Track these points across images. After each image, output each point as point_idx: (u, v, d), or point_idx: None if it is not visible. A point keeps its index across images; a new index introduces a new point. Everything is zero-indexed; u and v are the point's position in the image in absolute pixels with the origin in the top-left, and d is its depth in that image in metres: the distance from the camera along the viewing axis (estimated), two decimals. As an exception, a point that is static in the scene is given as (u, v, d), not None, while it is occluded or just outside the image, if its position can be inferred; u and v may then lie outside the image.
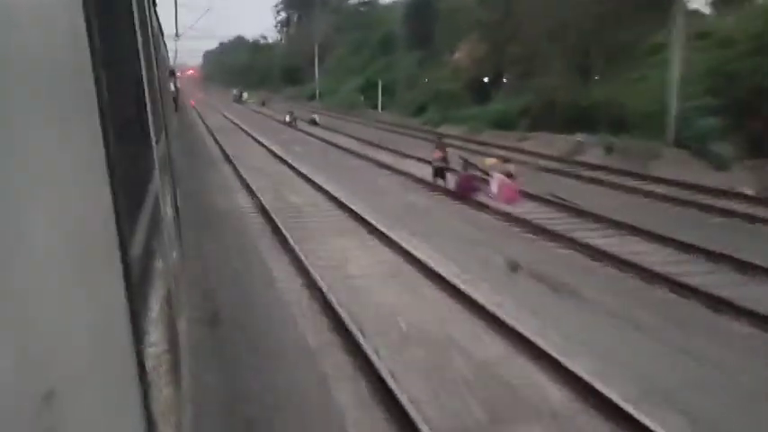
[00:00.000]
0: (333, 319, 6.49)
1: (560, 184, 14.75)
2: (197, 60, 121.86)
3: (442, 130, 29.30)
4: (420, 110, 34.92)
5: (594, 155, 18.50)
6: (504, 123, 25.31)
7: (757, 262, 8.11)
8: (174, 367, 1.74)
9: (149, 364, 1.07)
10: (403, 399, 4.75)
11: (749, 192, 13.54)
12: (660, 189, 13.77)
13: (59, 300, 0.66)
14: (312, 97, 57.61)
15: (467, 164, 13.91)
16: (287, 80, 75.88)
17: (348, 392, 5.10)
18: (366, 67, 49.82)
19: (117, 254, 0.83)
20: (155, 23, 4.77)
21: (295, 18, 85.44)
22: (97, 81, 0.81)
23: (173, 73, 23.85)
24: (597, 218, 11.06)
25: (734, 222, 11.09)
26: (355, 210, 11.53)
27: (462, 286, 7.27)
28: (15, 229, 0.58)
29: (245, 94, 60.51)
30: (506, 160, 14.66)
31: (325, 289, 7.19)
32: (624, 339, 6.17)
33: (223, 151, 21.79)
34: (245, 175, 15.84)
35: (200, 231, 9.94)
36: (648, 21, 21.15)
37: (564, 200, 12.53)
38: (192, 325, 4.55)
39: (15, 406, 0.56)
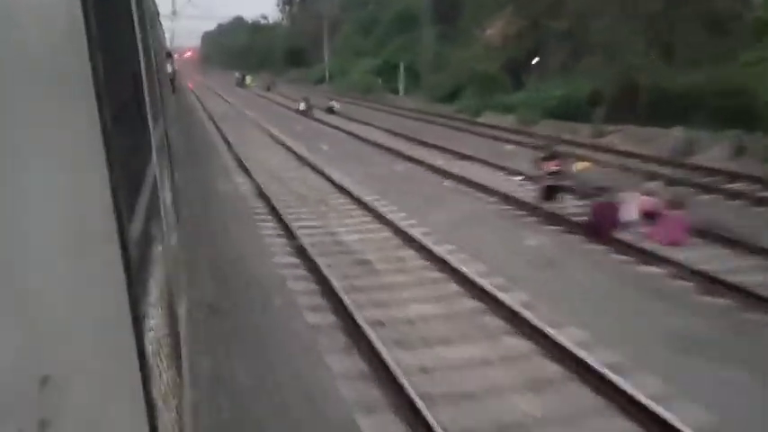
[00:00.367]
0: None
1: (706, 204, 10.54)
2: (195, 42, 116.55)
3: (484, 119, 24.98)
4: (451, 95, 30.52)
5: (715, 156, 14.23)
6: (565, 112, 20.97)
7: None
8: (175, 351, 1.79)
9: (149, 348, 1.05)
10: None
11: None
12: None
13: (57, 284, 0.67)
14: (320, 80, 53.00)
15: (599, 189, 9.48)
16: (290, 62, 71.10)
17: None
18: (379, 47, 45.22)
19: (115, 237, 0.80)
20: (150, 2, 4.49)
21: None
22: (93, 62, 0.78)
23: (170, 55, 23.02)
24: None
25: None
26: (465, 272, 7.21)
27: None
28: (12, 213, 0.61)
29: (248, 78, 55.76)
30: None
31: None
32: None
33: (231, 150, 17.57)
34: (266, 190, 11.63)
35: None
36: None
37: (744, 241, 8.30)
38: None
39: (13, 391, 0.59)
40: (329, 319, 6.12)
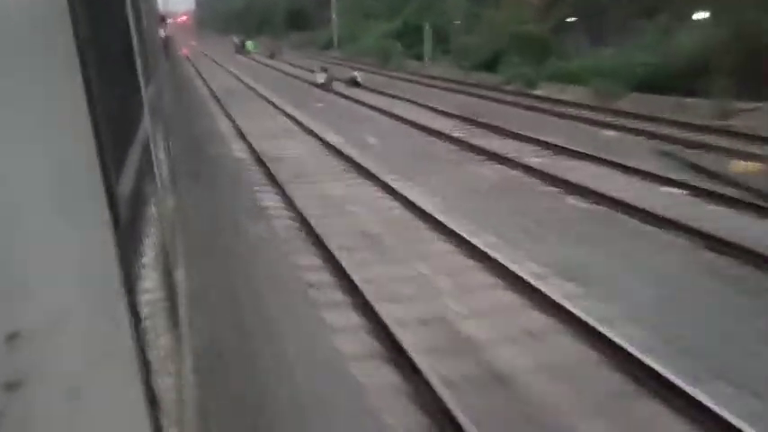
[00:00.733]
0: None
1: None
2: (189, 6, 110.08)
3: (544, 92, 20.54)
4: (491, 62, 25.93)
5: None
6: (664, 84, 16.55)
7: None
8: (172, 316, 1.74)
9: (143, 310, 1.01)
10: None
11: None
12: None
13: (34, 238, 0.67)
14: (328, 45, 47.96)
15: None
16: (292, 25, 65.67)
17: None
18: (394, 9, 40.25)
19: (102, 194, 0.76)
20: None
21: (299, -47, 74.19)
22: (74, 18, 0.73)
23: (163, 19, 21.88)
24: None
25: None
26: None
27: None
28: None
29: (248, 44, 50.60)
30: None
31: None
32: None
33: (247, 143, 13.28)
34: (321, 227, 7.44)
35: None
36: None
37: None
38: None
39: None
40: None
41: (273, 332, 5.20)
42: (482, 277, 6.23)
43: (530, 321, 5.30)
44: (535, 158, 11.23)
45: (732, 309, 5.46)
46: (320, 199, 9.11)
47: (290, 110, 18.16)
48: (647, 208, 7.93)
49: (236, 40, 52.61)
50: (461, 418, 3.82)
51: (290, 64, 36.37)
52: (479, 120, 15.21)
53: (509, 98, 19.58)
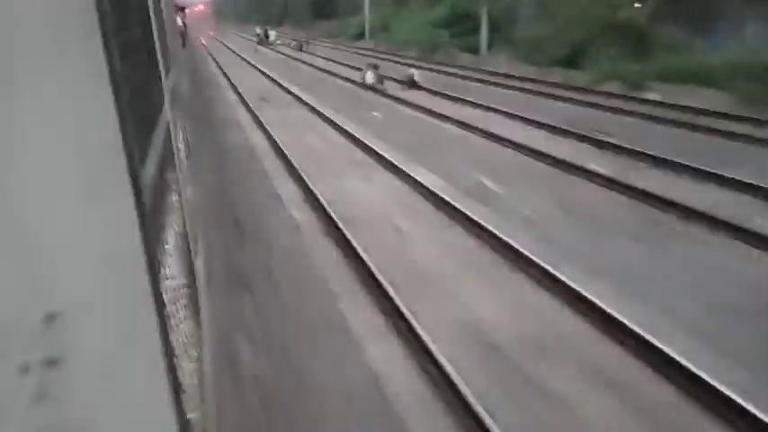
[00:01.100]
0: None
1: None
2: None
3: (661, 96, 16.01)
4: (571, 56, 21.38)
5: None
6: None
7: None
8: (193, 302, 1.77)
9: (166, 296, 1.04)
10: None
11: None
12: None
13: (65, 224, 0.68)
14: (358, 36, 43.53)
15: None
16: (317, 14, 61.22)
17: None
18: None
19: (127, 180, 0.77)
20: None
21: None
22: (99, 7, 0.74)
23: (181, 9, 21.74)
24: None
25: None
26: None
27: None
28: (20, 154, 0.62)
29: (271, 34, 46.24)
30: None
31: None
32: None
33: (306, 190, 9.02)
34: None
35: None
36: None
37: None
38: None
39: (15, 326, 0.61)
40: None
41: None
42: None
43: None
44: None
45: None
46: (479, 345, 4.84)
47: (341, 121, 13.88)
48: None
49: (258, 30, 48.23)
50: None
51: (323, 57, 32.02)
52: (617, 143, 10.85)
53: (624, 106, 15.04)
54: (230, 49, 41.35)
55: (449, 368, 4.19)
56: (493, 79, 21.15)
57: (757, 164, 9.33)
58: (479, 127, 12.83)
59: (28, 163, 0.64)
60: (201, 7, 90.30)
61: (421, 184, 8.69)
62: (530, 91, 18.19)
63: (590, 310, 5.09)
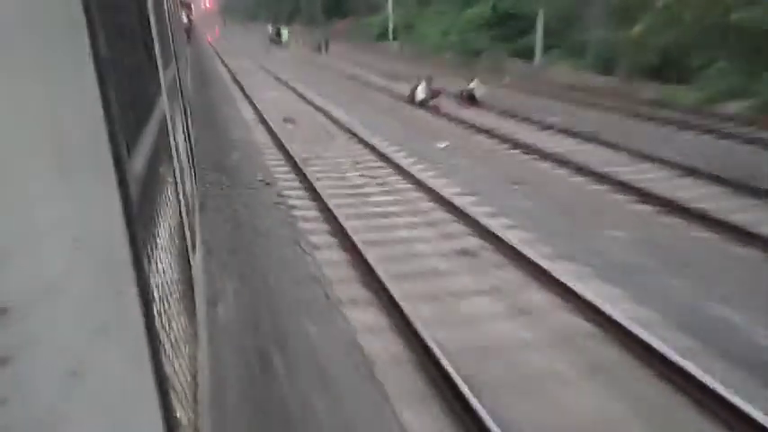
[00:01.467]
0: None
1: None
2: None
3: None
4: (662, 66, 17.31)
5: None
6: None
7: None
8: (188, 298, 1.70)
9: (155, 290, 1.00)
10: None
11: None
12: None
13: (30, 213, 0.64)
14: (380, 37, 39.46)
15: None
16: (330, 12, 57.13)
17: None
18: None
19: (111, 169, 0.73)
20: None
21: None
22: None
23: (188, 6, 21.16)
24: None
25: None
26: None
27: None
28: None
29: (284, 33, 42.25)
30: None
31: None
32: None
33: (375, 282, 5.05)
34: None
35: None
36: None
37: None
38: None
39: None
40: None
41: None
42: None
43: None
44: None
45: None
46: None
47: (408, 162, 9.91)
48: None
49: (270, 28, 44.30)
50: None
51: (348, 61, 28.06)
52: None
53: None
54: (241, 48, 37.36)
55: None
56: (565, 94, 17.14)
57: None
58: (602, 172, 8.82)
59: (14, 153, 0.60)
60: (208, 5, 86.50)
61: (615, 323, 4.71)
62: (624, 111, 14.17)
63: None
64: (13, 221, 0.61)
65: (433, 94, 15.29)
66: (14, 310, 0.59)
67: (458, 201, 7.77)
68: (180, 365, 1.27)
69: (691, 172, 8.96)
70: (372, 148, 11.05)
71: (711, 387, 3.78)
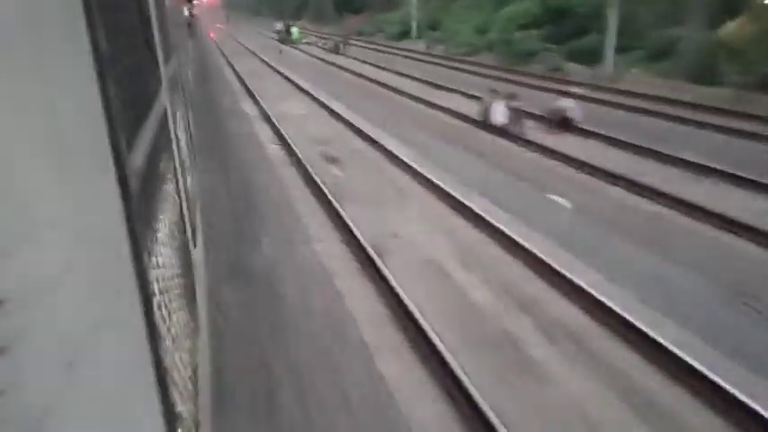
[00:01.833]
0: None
1: None
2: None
3: None
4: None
5: None
6: None
7: None
8: (189, 292, 1.68)
9: (155, 284, 0.98)
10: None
11: None
12: None
13: (29, 206, 0.62)
14: (402, 35, 35.51)
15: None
16: (341, 7, 53.09)
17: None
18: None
19: (111, 164, 0.73)
20: None
21: None
22: None
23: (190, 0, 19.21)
24: None
25: None
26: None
27: None
28: None
29: (294, 30, 38.22)
30: None
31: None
32: None
33: None
34: None
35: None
36: None
37: None
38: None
39: None
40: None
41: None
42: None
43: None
44: None
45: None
46: None
47: (544, 250, 6.08)
48: None
49: (279, 26, 40.29)
50: None
51: (376, 65, 24.12)
52: None
53: None
54: (248, 48, 33.38)
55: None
56: (670, 110, 13.26)
57: None
58: None
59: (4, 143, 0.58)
60: (211, 0, 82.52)
61: None
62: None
63: None
64: (14, 216, 0.61)
65: (516, 115, 11.45)
66: (13, 302, 0.58)
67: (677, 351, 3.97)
68: (180, 359, 1.24)
69: None
70: (469, 214, 7.21)
71: None
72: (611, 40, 18.92)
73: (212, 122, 12.41)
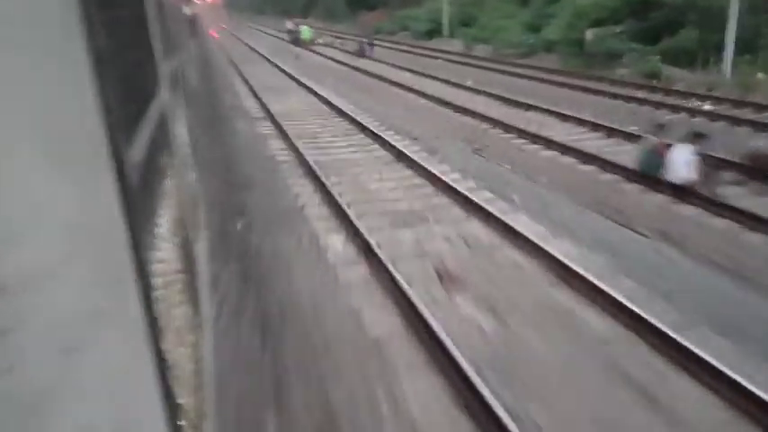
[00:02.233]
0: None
1: None
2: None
3: None
4: None
5: None
6: None
7: None
8: (190, 289, 1.70)
9: (155, 278, 0.98)
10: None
11: None
12: None
13: (26, 198, 0.65)
14: (430, 33, 31.24)
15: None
16: (354, 3, 48.69)
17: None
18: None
19: (109, 158, 0.72)
20: None
21: None
22: None
23: None
24: None
25: None
26: None
27: None
28: None
29: (304, 30, 33.85)
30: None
31: None
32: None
33: None
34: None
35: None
36: None
37: None
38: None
39: None
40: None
41: None
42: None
43: None
44: None
45: None
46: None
47: None
48: None
49: (290, 25, 36.04)
50: None
51: (407, 68, 19.96)
52: None
53: None
54: (257, 51, 29.15)
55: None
56: None
57: None
58: None
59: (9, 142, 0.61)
60: (212, -2, 78.32)
61: None
62: None
63: None
64: (14, 210, 0.63)
65: (707, 167, 7.23)
66: (14, 288, 0.61)
67: None
68: (182, 353, 1.25)
69: None
70: None
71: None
72: (730, 36, 14.68)
73: (233, 186, 8.27)
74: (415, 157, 9.00)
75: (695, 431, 3.53)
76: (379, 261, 5.53)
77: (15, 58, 0.62)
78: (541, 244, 5.74)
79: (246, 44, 34.23)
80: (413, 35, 32.46)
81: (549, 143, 9.78)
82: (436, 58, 23.80)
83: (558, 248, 5.68)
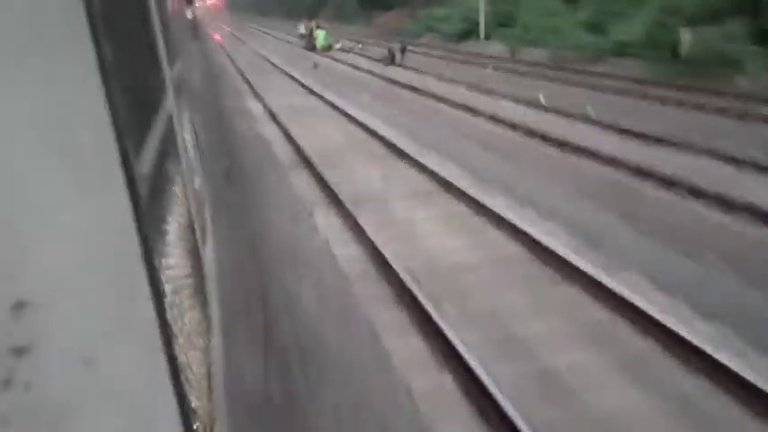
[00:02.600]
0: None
1: None
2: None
3: None
4: None
5: None
6: None
7: None
8: (200, 292, 1.68)
9: (167, 285, 0.98)
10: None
11: None
12: None
13: (43, 212, 0.65)
14: (464, 34, 27.54)
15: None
16: (367, 3, 44.96)
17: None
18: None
19: (118, 167, 0.72)
20: None
21: None
22: None
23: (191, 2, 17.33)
24: None
25: None
26: None
27: None
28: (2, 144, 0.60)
29: (320, 34, 30.15)
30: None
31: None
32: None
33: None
34: None
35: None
36: None
37: None
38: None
39: None
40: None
41: None
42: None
43: None
44: None
45: None
46: None
47: None
48: None
49: (302, 29, 32.40)
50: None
51: (450, 78, 16.30)
52: None
53: None
54: (267, 59, 25.50)
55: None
56: None
57: None
58: None
59: (4, 147, 0.61)
60: (213, 1, 75.03)
61: None
62: None
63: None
64: (29, 223, 0.63)
65: None
66: (33, 304, 0.61)
67: None
68: (193, 357, 1.26)
69: None
70: None
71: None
72: None
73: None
74: (572, 258, 5.30)
75: None
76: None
77: (26, 71, 0.62)
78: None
79: (254, 49, 30.63)
80: (442, 37, 28.78)
81: (753, 212, 6.14)
82: (478, 64, 20.12)
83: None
